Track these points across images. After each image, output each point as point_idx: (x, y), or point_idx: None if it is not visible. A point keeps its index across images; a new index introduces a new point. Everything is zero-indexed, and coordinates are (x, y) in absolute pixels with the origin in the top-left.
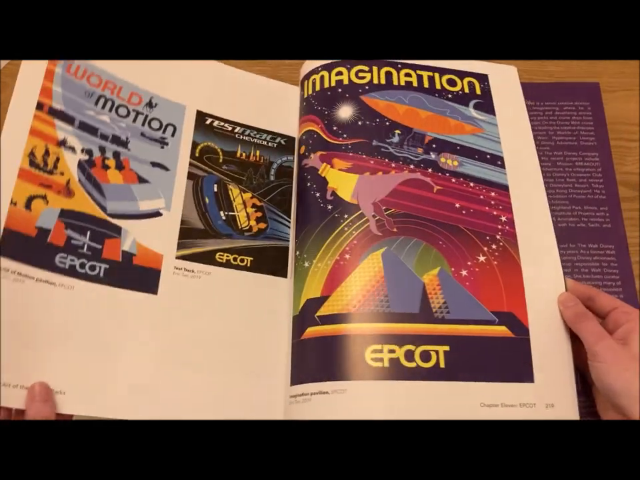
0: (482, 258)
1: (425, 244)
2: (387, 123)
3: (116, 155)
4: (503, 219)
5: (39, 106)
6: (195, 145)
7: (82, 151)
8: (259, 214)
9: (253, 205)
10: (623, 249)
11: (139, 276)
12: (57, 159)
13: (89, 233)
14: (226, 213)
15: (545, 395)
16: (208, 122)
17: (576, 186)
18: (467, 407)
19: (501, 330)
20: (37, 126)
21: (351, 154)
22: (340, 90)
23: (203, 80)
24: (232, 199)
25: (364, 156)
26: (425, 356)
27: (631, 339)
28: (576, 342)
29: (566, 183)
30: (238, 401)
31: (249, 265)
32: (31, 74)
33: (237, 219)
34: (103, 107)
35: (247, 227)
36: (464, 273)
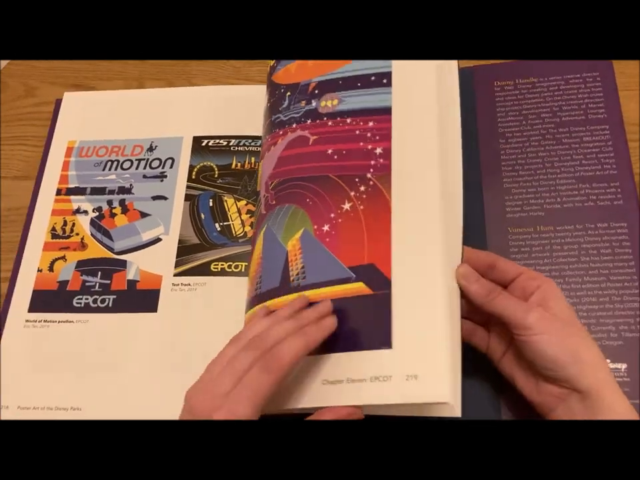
0: (347, 206)
1: (294, 207)
2: (282, 90)
3: (121, 202)
4: (378, 150)
5: (58, 192)
6: (191, 168)
7: (93, 210)
8: (254, 219)
9: (248, 211)
10: (636, 227)
11: (141, 299)
12: (73, 224)
13: (99, 273)
14: (221, 223)
15: (407, 364)
16: (204, 144)
17: (583, 162)
18: (308, 386)
19: (358, 287)
20: (57, 207)
21: (262, 141)
22: (266, 84)
23: (197, 108)
24: (227, 209)
25: (267, 138)
26: None
27: (551, 305)
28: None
29: (572, 161)
30: None
31: (243, 270)
32: (52, 170)
33: (232, 227)
34: (110, 169)
35: (242, 234)
36: (326, 228)
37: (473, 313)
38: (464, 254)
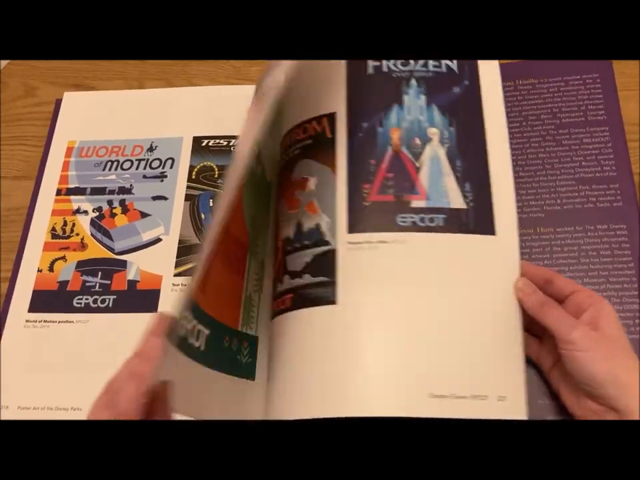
0: None
1: None
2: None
3: (122, 202)
4: None
5: (58, 192)
6: (191, 168)
7: (93, 210)
8: None
9: None
10: (635, 228)
11: (141, 299)
12: (73, 225)
13: (99, 273)
14: None
15: None
16: (204, 144)
17: (583, 164)
18: None
19: None
20: (57, 207)
21: None
22: None
23: (197, 108)
24: None
25: None
26: None
27: (601, 324)
28: None
29: (572, 162)
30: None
31: None
32: (52, 170)
33: None
34: (110, 169)
35: None
36: None
37: (529, 324)
38: (522, 268)
